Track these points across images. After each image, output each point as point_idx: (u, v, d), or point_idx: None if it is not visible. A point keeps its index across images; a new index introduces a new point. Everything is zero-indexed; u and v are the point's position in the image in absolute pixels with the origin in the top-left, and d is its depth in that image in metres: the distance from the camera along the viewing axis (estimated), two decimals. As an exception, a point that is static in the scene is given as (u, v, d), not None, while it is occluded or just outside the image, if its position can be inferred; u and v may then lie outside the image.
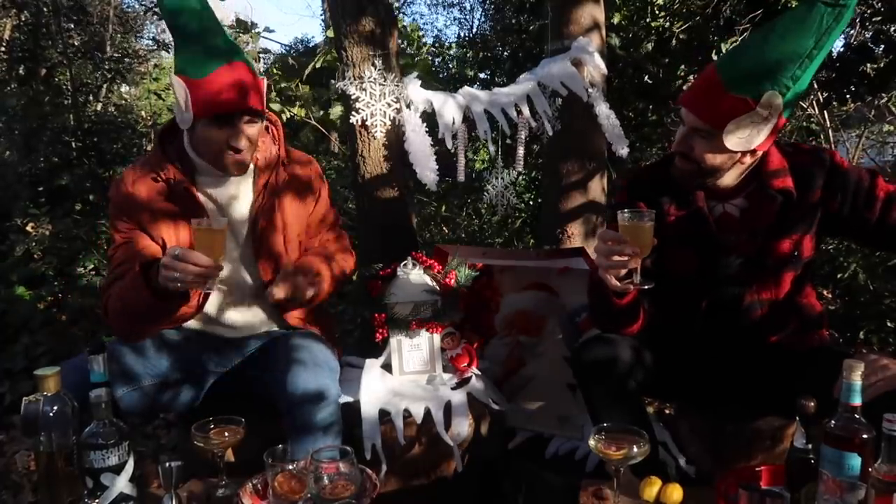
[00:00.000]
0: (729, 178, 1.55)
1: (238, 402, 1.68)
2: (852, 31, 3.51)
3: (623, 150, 2.46)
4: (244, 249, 1.71)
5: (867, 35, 3.36)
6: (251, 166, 1.71)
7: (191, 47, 1.53)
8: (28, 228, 3.93)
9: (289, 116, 3.67)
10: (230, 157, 1.60)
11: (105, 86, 6.26)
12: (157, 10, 6.10)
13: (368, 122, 2.29)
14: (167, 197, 1.65)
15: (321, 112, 3.78)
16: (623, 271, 1.38)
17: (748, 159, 1.50)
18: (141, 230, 1.65)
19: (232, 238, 1.69)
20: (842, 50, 3.36)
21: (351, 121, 2.31)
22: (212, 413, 1.43)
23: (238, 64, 1.54)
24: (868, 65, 3.20)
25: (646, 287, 1.38)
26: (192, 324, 1.74)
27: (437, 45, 7.10)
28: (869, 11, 3.27)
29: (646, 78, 4.09)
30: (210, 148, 1.59)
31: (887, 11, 3.17)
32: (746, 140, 1.44)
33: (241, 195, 1.71)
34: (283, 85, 3.70)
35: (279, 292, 1.57)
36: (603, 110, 2.44)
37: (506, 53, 5.22)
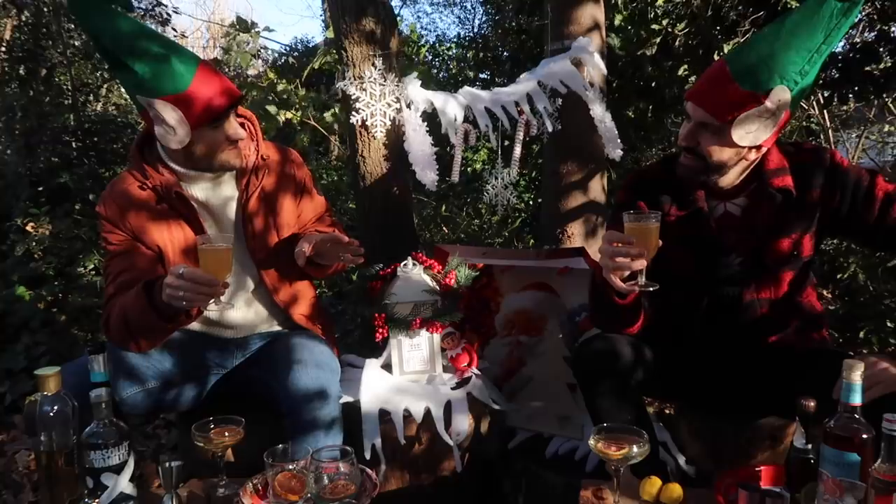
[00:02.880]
0: (731, 177, 1.55)
1: (239, 401, 1.69)
2: (855, 32, 3.51)
3: (616, 153, 2.47)
4: (239, 250, 1.71)
5: (871, 35, 3.36)
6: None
7: (163, 65, 1.48)
8: (28, 228, 3.93)
9: (284, 120, 3.66)
10: (232, 150, 1.61)
11: (105, 86, 6.25)
12: (153, 12, 6.10)
13: (368, 122, 2.29)
14: (157, 203, 1.64)
15: (320, 114, 3.77)
16: (627, 272, 1.38)
17: (753, 155, 1.51)
18: (134, 239, 1.64)
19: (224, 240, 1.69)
20: (846, 50, 3.36)
21: (351, 121, 2.31)
22: (213, 413, 1.43)
23: (203, 62, 1.55)
24: (872, 65, 3.19)
25: (650, 289, 1.38)
26: (193, 325, 1.73)
27: (437, 45, 7.10)
28: (874, 13, 3.26)
29: (646, 78, 4.09)
30: (213, 150, 1.59)
31: (892, 12, 3.17)
32: (754, 135, 1.44)
33: (227, 196, 1.71)
34: (279, 88, 3.68)
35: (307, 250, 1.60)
36: (599, 112, 2.44)
37: (506, 53, 5.22)
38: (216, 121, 1.56)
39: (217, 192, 1.70)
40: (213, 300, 1.38)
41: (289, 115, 3.63)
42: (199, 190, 1.68)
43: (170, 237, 1.64)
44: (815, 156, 1.55)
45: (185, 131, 1.52)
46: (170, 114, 1.50)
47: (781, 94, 1.40)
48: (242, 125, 1.68)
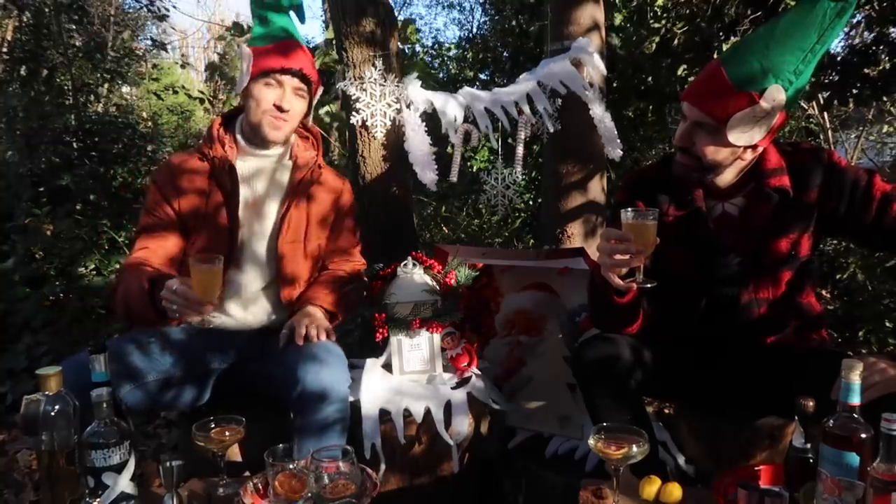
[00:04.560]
0: (728, 176, 1.55)
1: (242, 398, 1.70)
2: (854, 34, 3.51)
3: (616, 153, 2.47)
4: (270, 241, 1.78)
5: (869, 38, 3.36)
6: (290, 163, 1.82)
7: (265, 26, 1.76)
8: (29, 228, 3.93)
9: None
10: (273, 118, 1.72)
11: (106, 86, 6.25)
12: (152, 7, 6.11)
13: (369, 123, 2.30)
14: (207, 175, 1.75)
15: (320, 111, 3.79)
16: (625, 270, 1.38)
17: (749, 155, 1.51)
18: (171, 209, 1.74)
19: (258, 227, 1.78)
20: (844, 52, 3.36)
21: (351, 121, 2.32)
22: (215, 410, 1.43)
23: (298, 42, 1.77)
24: (870, 68, 3.20)
25: (648, 286, 1.38)
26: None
27: (436, 46, 7.10)
28: (873, 14, 3.27)
29: (646, 78, 4.09)
30: (259, 108, 1.72)
31: (890, 14, 3.17)
32: (749, 135, 1.45)
33: (276, 185, 1.81)
34: None
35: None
36: (598, 112, 2.44)
37: (506, 54, 5.22)
38: (266, 76, 1.70)
39: (267, 179, 1.80)
40: (201, 316, 1.49)
41: None
42: (253, 170, 1.79)
43: (203, 209, 1.74)
44: (812, 156, 1.55)
45: (246, 78, 1.72)
46: (245, 58, 1.73)
47: (776, 93, 1.41)
48: (307, 137, 1.87)
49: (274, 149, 1.80)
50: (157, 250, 1.71)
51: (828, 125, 4.00)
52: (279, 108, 1.71)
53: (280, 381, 1.60)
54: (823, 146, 1.87)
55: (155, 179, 1.78)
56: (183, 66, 7.89)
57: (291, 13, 1.82)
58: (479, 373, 1.92)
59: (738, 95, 1.42)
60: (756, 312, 1.58)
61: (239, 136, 1.80)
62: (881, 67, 3.22)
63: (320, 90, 1.86)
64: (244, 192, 1.76)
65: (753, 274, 1.57)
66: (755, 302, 1.58)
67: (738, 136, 1.45)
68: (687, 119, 1.51)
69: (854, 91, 3.23)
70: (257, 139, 1.77)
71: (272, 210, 1.79)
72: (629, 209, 1.37)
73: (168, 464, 1.29)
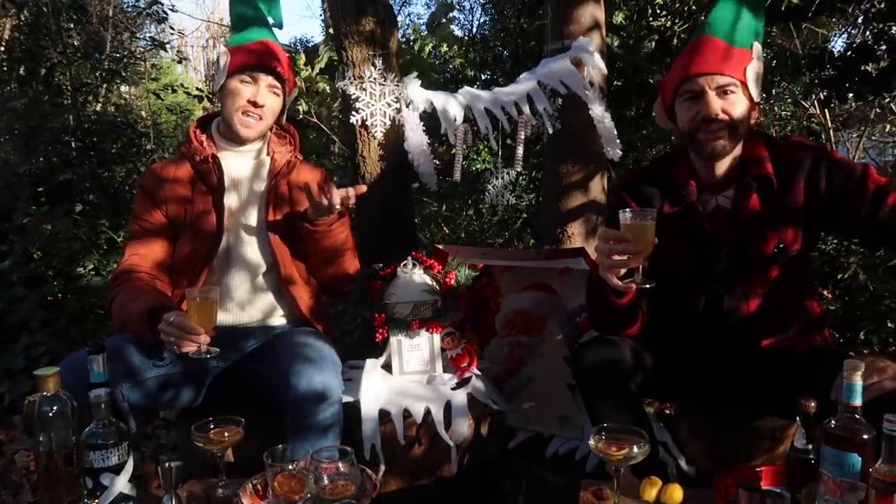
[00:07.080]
0: (723, 167, 1.56)
1: (239, 399, 1.69)
2: (854, 31, 3.51)
3: (615, 153, 2.46)
4: (259, 235, 1.79)
5: (869, 35, 3.35)
6: (268, 159, 1.84)
7: (243, 27, 1.83)
8: (28, 228, 3.92)
9: (304, 110, 3.75)
10: (247, 114, 1.76)
11: (104, 85, 6.23)
12: (150, 10, 6.10)
13: (368, 122, 2.29)
14: (193, 174, 1.79)
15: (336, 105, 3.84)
16: (623, 270, 1.38)
17: (755, 115, 1.60)
18: (158, 210, 1.76)
19: (244, 223, 1.79)
20: (843, 49, 3.35)
21: (351, 121, 2.31)
22: (213, 411, 1.43)
23: (274, 42, 1.84)
24: (870, 64, 3.19)
25: (647, 286, 1.38)
26: None
27: (436, 46, 7.08)
28: (872, 11, 3.26)
29: (645, 77, 4.09)
30: (234, 103, 1.76)
31: (889, 11, 3.16)
32: (758, 88, 1.56)
33: (258, 179, 1.83)
34: (304, 75, 3.78)
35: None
36: (598, 111, 2.44)
37: (506, 53, 5.21)
38: (241, 73, 1.75)
39: (249, 173, 1.84)
40: (199, 347, 1.50)
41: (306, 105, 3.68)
42: (233, 165, 1.82)
43: (191, 209, 1.76)
44: (804, 149, 1.56)
45: (223, 76, 1.77)
46: (223, 58, 1.79)
47: (757, 49, 1.55)
48: (284, 137, 1.90)
49: (250, 144, 1.83)
50: (147, 255, 1.75)
51: (829, 124, 3.99)
52: (254, 104, 1.75)
53: (275, 383, 1.60)
54: (818, 141, 1.88)
55: (142, 186, 1.81)
56: (180, 62, 7.90)
57: (270, 19, 1.89)
58: (479, 373, 1.92)
59: (739, 53, 1.53)
60: (752, 309, 1.58)
61: (216, 135, 1.84)
62: (881, 64, 3.21)
63: (295, 91, 1.91)
64: (227, 187, 1.79)
65: (747, 269, 1.57)
66: (752, 297, 1.58)
67: (754, 89, 1.55)
68: (702, 91, 1.52)
69: (854, 88, 3.21)
70: (232, 136, 1.81)
71: (255, 208, 1.81)
72: (627, 210, 1.37)
73: (167, 464, 1.29)
